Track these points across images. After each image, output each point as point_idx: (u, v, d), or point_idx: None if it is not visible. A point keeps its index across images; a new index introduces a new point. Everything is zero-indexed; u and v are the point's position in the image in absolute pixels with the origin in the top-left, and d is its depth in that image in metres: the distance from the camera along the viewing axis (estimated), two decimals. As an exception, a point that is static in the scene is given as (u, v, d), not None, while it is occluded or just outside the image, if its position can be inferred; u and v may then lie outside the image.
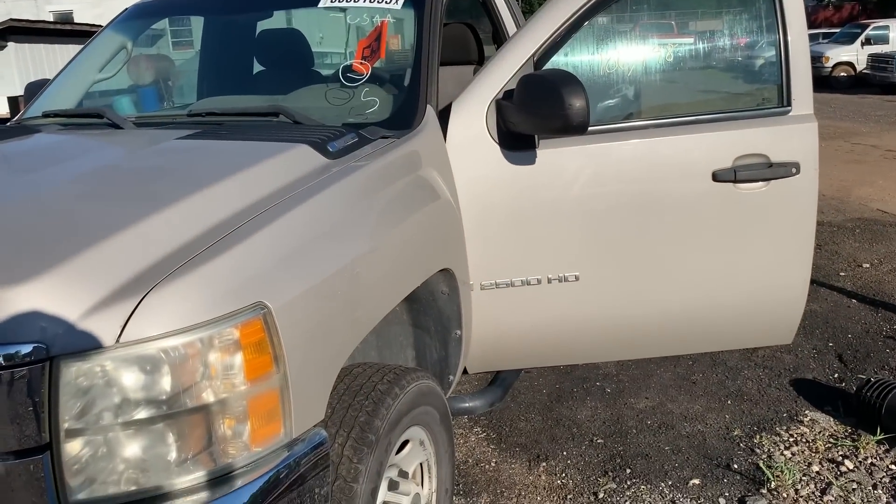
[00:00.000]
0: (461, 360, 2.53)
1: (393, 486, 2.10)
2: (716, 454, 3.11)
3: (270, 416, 1.54)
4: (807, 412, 3.42)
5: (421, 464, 2.28)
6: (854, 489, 2.81)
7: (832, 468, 2.96)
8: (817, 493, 2.80)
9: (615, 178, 2.52)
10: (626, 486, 2.91)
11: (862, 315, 4.52)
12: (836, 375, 3.80)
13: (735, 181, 2.52)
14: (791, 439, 3.20)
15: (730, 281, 2.64)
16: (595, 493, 2.88)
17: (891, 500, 2.75)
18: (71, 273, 1.40)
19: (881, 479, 2.87)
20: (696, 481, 2.93)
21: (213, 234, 1.59)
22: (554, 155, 2.47)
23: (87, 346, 1.36)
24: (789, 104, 2.57)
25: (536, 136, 2.45)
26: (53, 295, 1.37)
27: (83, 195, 1.83)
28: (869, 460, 3.00)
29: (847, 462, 2.99)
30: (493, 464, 3.12)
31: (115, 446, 1.40)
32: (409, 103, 2.45)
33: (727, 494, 2.83)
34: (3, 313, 1.33)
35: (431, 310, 2.41)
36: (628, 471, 3.02)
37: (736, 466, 3.02)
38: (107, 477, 1.41)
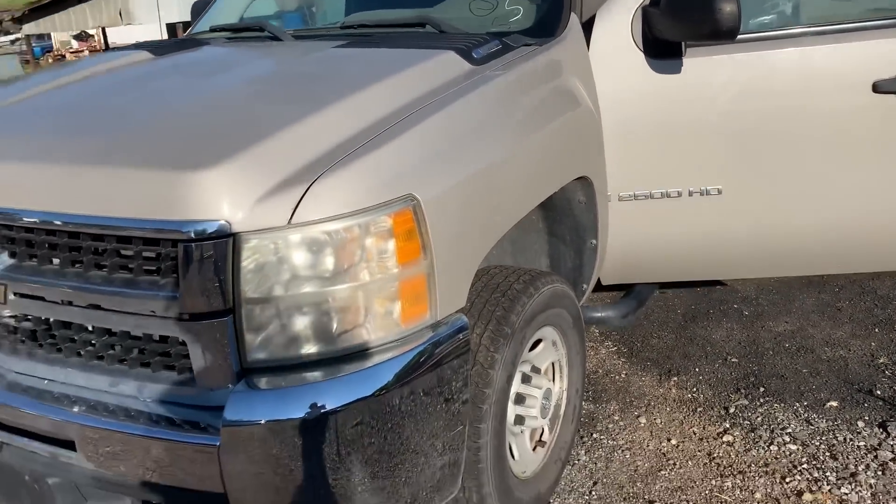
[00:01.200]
0: (595, 269, 2.59)
1: (526, 379, 2.22)
2: (857, 379, 3.04)
3: (418, 299, 1.69)
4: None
5: (553, 363, 2.39)
6: None
7: None
8: (970, 426, 2.70)
9: (765, 88, 2.45)
10: (758, 404, 2.91)
11: None
12: None
13: (897, 92, 2.38)
14: (945, 371, 3.07)
15: (887, 198, 2.53)
16: (726, 408, 2.90)
17: None
18: (251, 161, 1.58)
19: None
20: (834, 403, 2.88)
21: (370, 132, 1.73)
22: (701, 63, 2.43)
23: (264, 225, 1.53)
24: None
25: (683, 44, 2.41)
26: (237, 179, 1.54)
27: (255, 96, 2.01)
28: None
29: None
30: (623, 375, 3.20)
31: (285, 315, 1.59)
32: (552, 11, 2.47)
33: (867, 418, 2.77)
34: (194, 194, 1.53)
35: (567, 218, 2.47)
36: (762, 389, 3.01)
37: (879, 392, 2.94)
38: (278, 341, 1.60)
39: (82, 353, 1.79)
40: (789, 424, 2.77)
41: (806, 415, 2.82)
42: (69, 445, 1.75)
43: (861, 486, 2.42)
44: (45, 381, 1.84)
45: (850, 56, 2.42)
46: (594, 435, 2.78)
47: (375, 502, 1.69)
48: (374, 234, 1.59)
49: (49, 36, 33.27)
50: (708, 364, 3.24)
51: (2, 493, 1.98)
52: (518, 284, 2.09)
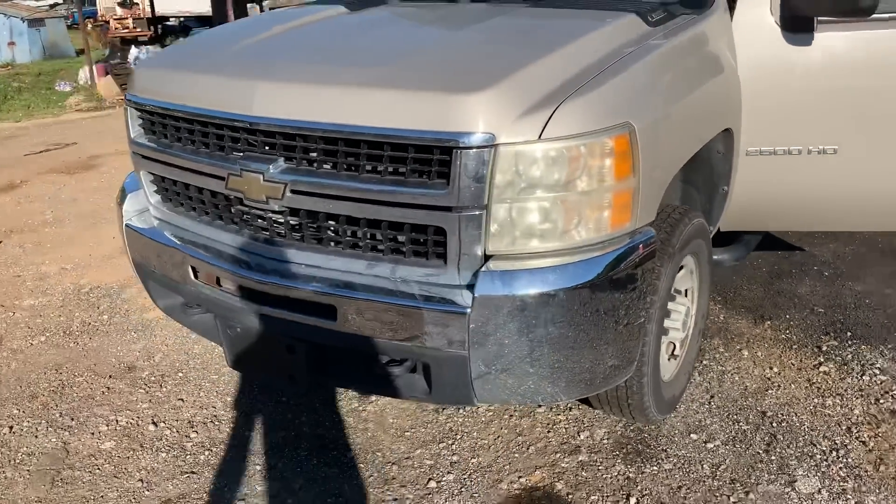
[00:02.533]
0: (722, 214, 3.00)
1: (672, 297, 2.63)
2: (933, 326, 3.42)
3: (624, 209, 2.10)
4: None
5: (687, 289, 2.80)
6: None
7: None
8: None
9: (885, 63, 2.82)
10: (847, 345, 3.30)
11: None
12: None
13: None
14: None
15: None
16: (818, 346, 3.30)
17: None
18: (511, 86, 1.99)
19: None
20: (912, 340, 3.28)
21: (592, 70, 2.13)
22: (830, 38, 2.80)
23: (519, 139, 1.95)
24: None
25: (815, 20, 2.79)
26: (502, 100, 1.96)
27: (488, 41, 2.43)
28: None
29: None
30: (721, 318, 3.60)
31: (525, 212, 2.01)
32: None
33: (947, 359, 3.16)
34: (469, 111, 1.94)
35: (704, 167, 2.86)
36: (848, 334, 3.40)
37: (955, 338, 3.32)
38: (517, 233, 2.02)
39: (342, 242, 2.22)
40: (877, 361, 3.17)
41: (891, 354, 3.21)
42: (330, 315, 2.18)
43: (946, 410, 2.82)
44: (303, 266, 2.28)
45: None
46: (704, 362, 3.19)
47: (582, 368, 2.12)
48: (598, 152, 2.00)
49: (94, 2, 33.80)
50: (797, 312, 3.63)
51: (258, 355, 2.42)
52: (675, 214, 2.49)
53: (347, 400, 2.88)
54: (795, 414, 2.81)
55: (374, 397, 2.87)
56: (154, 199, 2.71)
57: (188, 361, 3.22)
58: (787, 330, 3.46)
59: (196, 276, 2.49)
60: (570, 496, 2.38)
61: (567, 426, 2.70)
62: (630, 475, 2.46)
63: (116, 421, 2.83)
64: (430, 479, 2.46)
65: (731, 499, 2.36)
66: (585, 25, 2.41)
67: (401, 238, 2.13)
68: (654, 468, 2.49)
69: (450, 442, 2.62)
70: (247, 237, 2.40)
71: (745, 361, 3.20)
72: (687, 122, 2.38)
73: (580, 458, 2.53)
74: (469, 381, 2.11)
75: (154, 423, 2.80)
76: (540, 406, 2.78)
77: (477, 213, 1.99)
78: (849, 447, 2.61)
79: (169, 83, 2.49)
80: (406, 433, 2.68)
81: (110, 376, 3.11)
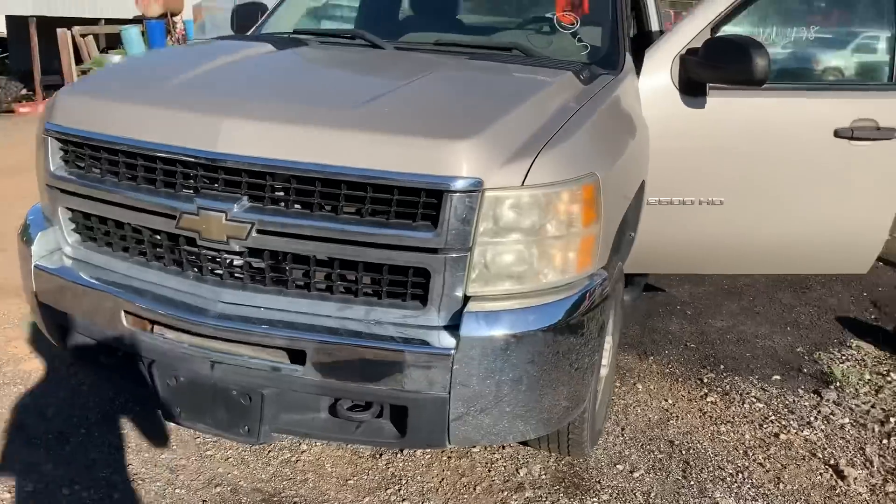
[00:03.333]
0: (627, 258, 3.24)
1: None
2: (787, 361, 3.88)
3: (588, 252, 2.23)
4: (852, 340, 4.20)
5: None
6: (902, 391, 3.60)
7: (880, 377, 3.74)
8: (872, 391, 3.58)
9: (761, 126, 3.22)
10: (723, 376, 3.66)
11: (891, 275, 5.33)
12: (872, 316, 4.60)
13: (851, 138, 3.24)
14: (843, 357, 3.98)
15: (836, 216, 3.38)
16: (700, 379, 3.63)
17: (931, 399, 3.54)
18: (497, 134, 2.07)
19: (921, 386, 3.67)
20: (777, 377, 3.70)
21: (553, 123, 2.26)
22: (719, 102, 3.16)
23: (504, 185, 2.03)
24: (894, 81, 3.29)
25: (707, 86, 3.14)
26: (491, 147, 2.03)
27: (452, 90, 2.49)
28: (909, 374, 3.79)
29: (892, 374, 3.78)
30: (610, 354, 3.85)
31: (506, 254, 2.08)
32: (612, 50, 3.11)
33: (803, 387, 3.60)
34: (461, 157, 1.99)
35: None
36: (722, 366, 3.77)
37: (805, 370, 3.79)
38: (497, 274, 2.08)
39: (309, 284, 2.16)
40: (751, 390, 3.54)
41: (760, 384, 3.60)
42: (298, 360, 2.11)
43: (815, 430, 3.21)
44: (262, 309, 2.19)
45: (821, 108, 3.25)
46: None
47: (550, 405, 2.21)
48: (573, 198, 2.13)
49: None
50: (674, 348, 3.97)
51: (206, 406, 2.26)
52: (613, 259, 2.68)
53: (277, 450, 2.75)
54: (698, 441, 3.07)
55: (304, 445, 2.77)
56: (72, 238, 2.48)
57: (87, 416, 2.92)
58: (670, 364, 3.77)
59: (128, 322, 2.31)
60: (522, 532, 2.44)
61: (505, 464, 2.76)
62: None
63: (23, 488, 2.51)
64: (381, 527, 2.42)
65: (667, 523, 2.54)
66: (534, 81, 2.55)
67: (376, 280, 2.12)
68: (595, 500, 2.61)
69: (396, 488, 2.59)
70: (195, 280, 2.27)
71: (641, 395, 3.45)
72: (627, 173, 2.58)
73: (526, 495, 2.60)
74: (446, 424, 2.12)
75: (68, 486, 2.51)
76: (475, 447, 2.82)
77: (462, 254, 2.04)
78: (750, 469, 2.89)
79: (106, 113, 2.31)
80: (349, 481, 2.61)
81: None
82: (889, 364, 3.89)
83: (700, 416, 3.27)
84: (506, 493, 2.59)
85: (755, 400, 3.44)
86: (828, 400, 3.48)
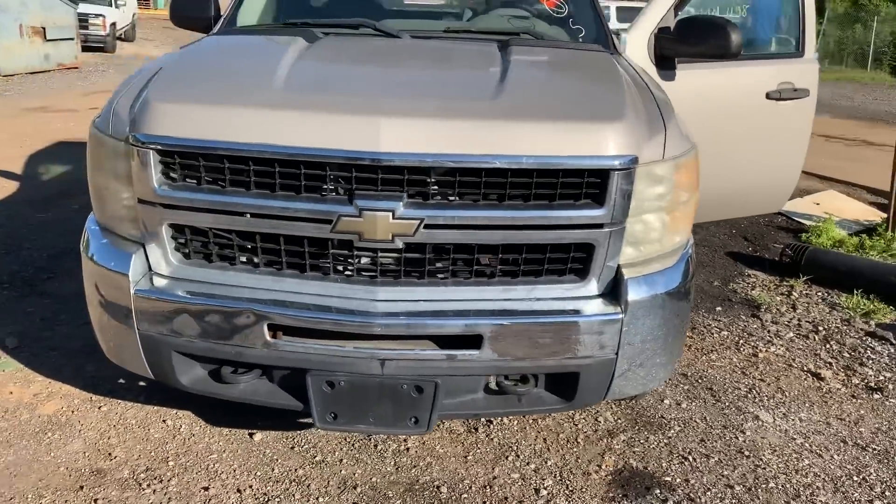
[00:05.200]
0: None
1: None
2: (716, 295, 4.51)
3: (693, 216, 2.54)
4: (748, 271, 4.97)
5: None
6: (808, 305, 4.37)
7: (786, 297, 4.49)
8: (791, 309, 4.31)
9: (714, 92, 3.73)
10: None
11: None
12: (750, 249, 5.43)
13: (778, 99, 3.86)
14: (751, 285, 4.71)
15: (764, 166, 4.01)
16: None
17: (830, 307, 4.34)
18: (636, 115, 2.29)
19: (819, 298, 4.47)
20: (719, 308, 4.30)
21: (648, 99, 2.52)
22: (684, 74, 3.61)
23: (651, 159, 2.26)
24: (804, 51, 3.96)
25: (676, 60, 3.57)
26: (636, 127, 2.23)
27: (557, 78, 2.67)
28: (805, 291, 4.59)
29: (794, 293, 4.55)
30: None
31: (648, 223, 2.32)
32: (602, 32, 3.40)
33: (744, 314, 4.23)
34: (622, 137, 2.17)
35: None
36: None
37: (734, 300, 4.44)
38: (642, 240, 2.32)
39: (471, 272, 2.25)
40: (710, 322, 4.09)
41: (712, 316, 4.17)
42: (474, 344, 2.20)
43: (777, 346, 3.82)
44: (422, 302, 2.24)
45: (754, 75, 3.83)
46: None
47: (680, 347, 2.52)
48: (690, 168, 2.42)
49: None
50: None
51: (367, 406, 2.26)
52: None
53: (382, 444, 2.77)
54: (703, 370, 3.54)
55: (403, 436, 2.81)
56: (176, 258, 2.31)
57: (165, 446, 2.70)
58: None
59: (272, 336, 2.23)
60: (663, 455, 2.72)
61: (583, 417, 3.01)
62: (665, 441, 2.89)
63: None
64: (538, 488, 2.57)
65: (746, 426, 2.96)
66: (602, 62, 2.79)
67: (537, 260, 2.26)
68: (672, 431, 2.96)
69: (514, 454, 2.74)
70: (343, 282, 2.25)
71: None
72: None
73: (622, 438, 2.88)
74: (609, 382, 2.34)
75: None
76: (536, 416, 3.01)
77: (622, 226, 2.25)
78: (757, 385, 3.41)
79: (226, 119, 2.17)
80: (468, 457, 2.71)
81: (81, 487, 2.46)
82: (785, 286, 4.67)
83: (688, 351, 3.75)
84: (605, 440, 2.86)
85: (719, 329, 4.00)
86: (767, 321, 4.14)
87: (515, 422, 2.94)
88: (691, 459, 2.77)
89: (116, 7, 21.31)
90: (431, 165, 2.12)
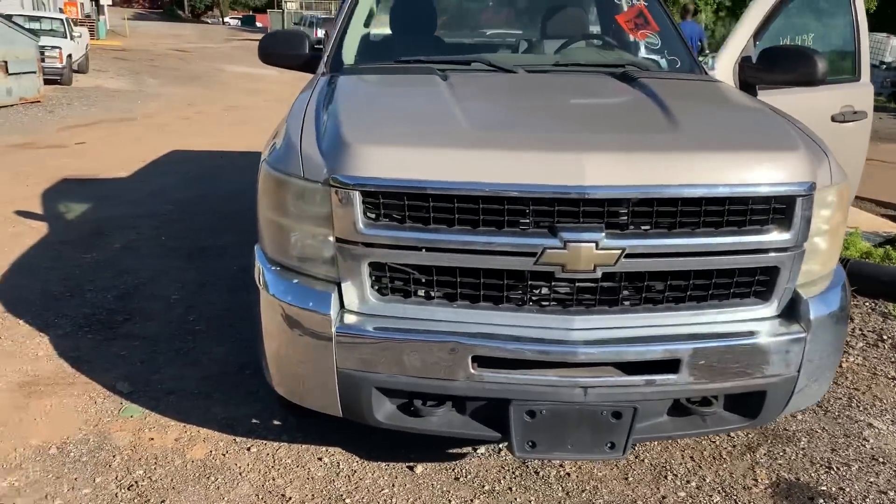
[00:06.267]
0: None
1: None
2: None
3: (842, 240, 2.67)
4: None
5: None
6: (862, 315, 4.57)
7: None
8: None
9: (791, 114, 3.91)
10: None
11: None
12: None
13: (842, 122, 4.07)
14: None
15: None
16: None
17: (882, 317, 4.55)
18: (806, 143, 2.42)
19: (869, 308, 4.68)
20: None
21: (794, 124, 2.65)
22: (764, 98, 3.79)
23: (823, 184, 2.37)
24: (860, 76, 4.19)
25: (756, 87, 3.75)
26: (811, 155, 2.36)
27: (712, 108, 2.79)
28: (853, 302, 4.80)
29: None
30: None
31: (818, 245, 2.44)
32: (692, 60, 3.56)
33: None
34: (803, 166, 2.30)
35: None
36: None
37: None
38: (812, 263, 2.44)
39: (664, 298, 2.33)
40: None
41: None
42: (671, 369, 2.28)
43: (853, 355, 4.00)
44: (616, 329, 2.31)
45: (821, 99, 4.04)
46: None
47: (836, 365, 2.63)
48: (847, 190, 2.55)
49: None
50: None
51: (567, 433, 2.31)
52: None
53: (542, 469, 2.81)
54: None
55: (554, 462, 2.86)
56: (373, 295, 2.33)
57: (332, 483, 2.68)
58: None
59: (476, 368, 2.27)
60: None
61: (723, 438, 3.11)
62: (801, 452, 3.00)
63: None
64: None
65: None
66: (730, 92, 2.94)
67: (725, 284, 2.36)
68: (803, 443, 3.07)
69: (672, 474, 2.81)
70: (538, 312, 2.31)
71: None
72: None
73: (762, 451, 2.98)
74: (789, 398, 2.44)
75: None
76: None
77: (802, 249, 2.36)
78: (859, 392, 3.56)
79: (431, 160, 2.22)
80: (628, 478, 2.77)
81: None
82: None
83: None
84: (748, 454, 2.95)
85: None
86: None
87: (658, 442, 3.01)
88: (835, 468, 2.88)
89: (72, 39, 20.89)
90: (634, 197, 2.21)
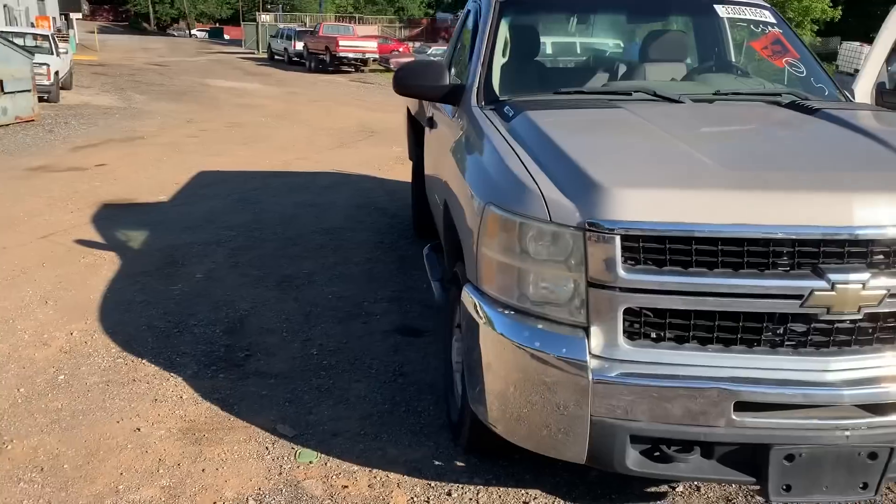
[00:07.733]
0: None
1: None
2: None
3: None
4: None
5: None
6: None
7: None
8: None
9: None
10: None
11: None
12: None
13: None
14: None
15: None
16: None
17: None
18: None
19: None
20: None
21: None
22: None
23: None
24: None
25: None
26: None
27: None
28: None
29: None
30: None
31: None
32: (833, 86, 3.59)
33: None
34: None
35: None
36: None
37: None
38: None
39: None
40: None
41: None
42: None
43: None
44: (872, 369, 2.29)
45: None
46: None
47: None
48: None
49: None
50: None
51: (823, 475, 2.28)
52: None
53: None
54: None
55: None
56: (625, 341, 2.28)
57: None
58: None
59: (737, 414, 2.23)
60: None
61: None
62: None
63: None
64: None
65: None
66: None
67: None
68: None
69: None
70: (794, 355, 2.28)
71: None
72: None
73: None
74: None
75: None
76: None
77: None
78: None
79: (693, 203, 2.19)
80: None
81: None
82: None
83: None
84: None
85: None
86: None
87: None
88: None
89: (58, 56, 20.49)
90: (894, 237, 2.20)
